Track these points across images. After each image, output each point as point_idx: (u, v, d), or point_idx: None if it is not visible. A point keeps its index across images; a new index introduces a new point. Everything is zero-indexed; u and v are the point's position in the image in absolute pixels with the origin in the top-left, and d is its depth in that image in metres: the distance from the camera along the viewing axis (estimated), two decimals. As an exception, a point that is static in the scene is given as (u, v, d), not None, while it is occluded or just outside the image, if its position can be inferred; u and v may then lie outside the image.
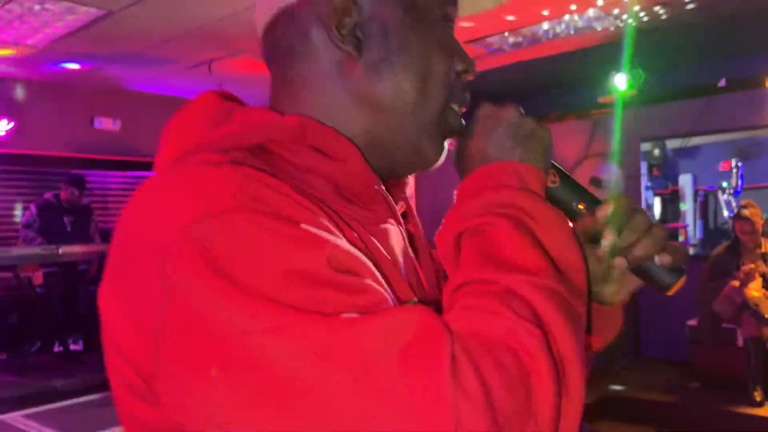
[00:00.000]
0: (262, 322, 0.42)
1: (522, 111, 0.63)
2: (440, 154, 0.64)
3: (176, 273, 0.44)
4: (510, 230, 0.53)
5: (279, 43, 0.62)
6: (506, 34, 5.06)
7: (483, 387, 0.41)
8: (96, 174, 6.59)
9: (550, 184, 0.62)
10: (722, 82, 5.06)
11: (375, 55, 0.60)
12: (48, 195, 5.78)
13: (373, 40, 0.60)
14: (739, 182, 6.02)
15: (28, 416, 3.77)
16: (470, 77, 0.64)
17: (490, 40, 5.21)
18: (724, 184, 6.16)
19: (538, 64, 5.74)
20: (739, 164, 6.01)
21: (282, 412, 0.41)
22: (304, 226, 0.47)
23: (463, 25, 4.79)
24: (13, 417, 3.76)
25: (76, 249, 5.23)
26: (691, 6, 4.61)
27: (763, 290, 4.20)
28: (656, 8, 4.65)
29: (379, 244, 0.58)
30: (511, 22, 4.77)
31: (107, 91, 6.51)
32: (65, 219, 5.64)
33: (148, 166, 5.89)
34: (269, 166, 0.52)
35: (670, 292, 0.59)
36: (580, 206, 0.62)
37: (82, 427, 3.47)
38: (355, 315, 0.43)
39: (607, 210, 0.58)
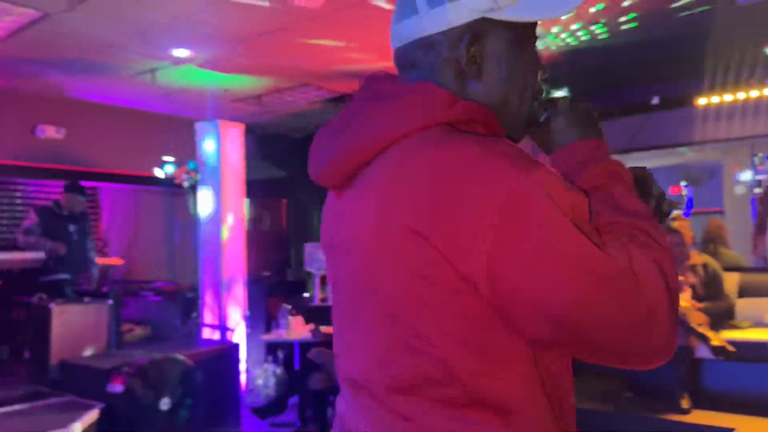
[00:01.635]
0: (574, 236, 0.76)
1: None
2: (524, 135, 0.98)
3: (528, 205, 0.75)
4: (626, 189, 0.88)
5: (423, 57, 0.91)
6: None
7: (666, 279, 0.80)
8: (37, 183, 6.45)
9: None
10: (656, 100, 5.24)
11: (492, 77, 0.90)
12: (46, 203, 5.64)
13: (490, 66, 0.90)
14: (687, 206, 6.19)
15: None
16: (545, 77, 0.97)
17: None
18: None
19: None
20: (688, 189, 6.21)
21: (584, 285, 0.76)
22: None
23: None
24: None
25: (7, 257, 5.10)
26: (626, 27, 4.79)
27: (692, 301, 4.32)
28: (594, 28, 4.81)
29: None
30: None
31: (50, 99, 6.39)
32: (70, 227, 5.46)
33: (93, 175, 5.68)
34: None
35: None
36: None
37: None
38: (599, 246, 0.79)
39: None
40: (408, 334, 0.82)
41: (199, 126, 5.70)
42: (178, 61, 5.24)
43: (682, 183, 6.32)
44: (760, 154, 7.39)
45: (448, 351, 0.80)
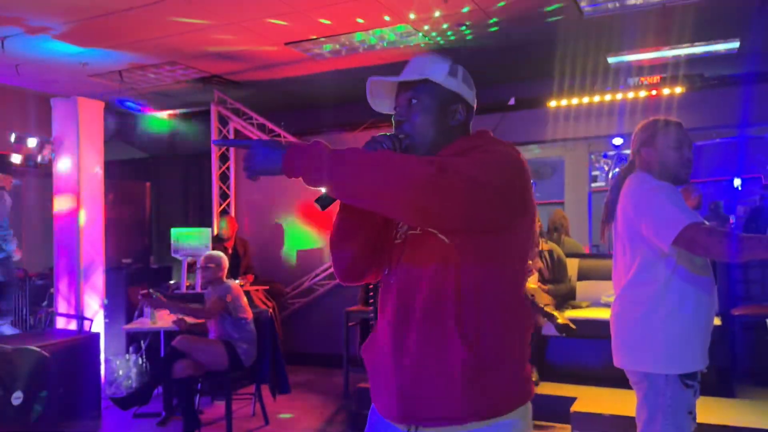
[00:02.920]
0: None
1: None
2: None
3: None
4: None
5: None
6: (322, 39, 5.21)
7: None
8: None
9: None
10: (512, 101, 5.65)
11: None
12: None
13: None
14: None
15: None
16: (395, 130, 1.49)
17: (308, 44, 5.33)
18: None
19: (359, 73, 5.98)
20: (533, 183, 6.75)
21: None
22: None
23: (278, 23, 4.86)
24: None
25: None
26: (490, 30, 5.11)
27: (539, 284, 4.76)
28: (462, 29, 5.08)
29: None
30: (327, 26, 4.93)
31: None
32: None
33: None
34: None
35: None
36: None
37: None
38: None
39: None
40: None
41: (55, 102, 5.30)
42: (32, 31, 4.85)
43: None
44: (596, 153, 8.25)
45: None
